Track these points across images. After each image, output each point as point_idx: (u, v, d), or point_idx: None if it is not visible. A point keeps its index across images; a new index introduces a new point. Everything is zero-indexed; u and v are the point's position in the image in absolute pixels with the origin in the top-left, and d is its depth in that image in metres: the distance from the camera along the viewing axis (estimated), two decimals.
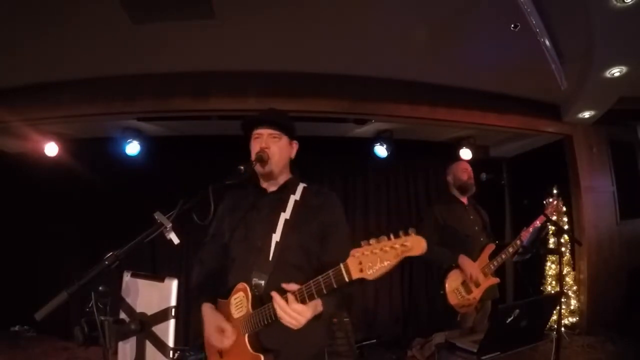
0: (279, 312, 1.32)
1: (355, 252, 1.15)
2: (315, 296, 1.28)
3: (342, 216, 1.66)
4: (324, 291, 1.25)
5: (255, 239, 1.59)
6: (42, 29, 2.90)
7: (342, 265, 1.19)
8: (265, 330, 1.43)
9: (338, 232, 1.60)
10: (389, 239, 1.12)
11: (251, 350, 1.44)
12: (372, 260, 1.12)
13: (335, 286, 1.22)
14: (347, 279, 1.18)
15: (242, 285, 1.51)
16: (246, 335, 1.46)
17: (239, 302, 1.51)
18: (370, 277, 1.14)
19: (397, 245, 1.10)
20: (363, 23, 3.03)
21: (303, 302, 1.30)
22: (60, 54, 3.27)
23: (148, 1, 2.68)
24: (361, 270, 1.14)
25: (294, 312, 1.30)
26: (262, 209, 1.65)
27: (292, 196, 1.65)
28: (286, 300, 1.32)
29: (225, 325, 1.50)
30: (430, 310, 4.80)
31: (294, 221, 1.59)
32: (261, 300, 1.47)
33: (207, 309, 1.58)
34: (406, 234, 1.12)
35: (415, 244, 1.10)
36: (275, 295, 1.34)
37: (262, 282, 1.50)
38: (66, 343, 4.16)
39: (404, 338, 4.41)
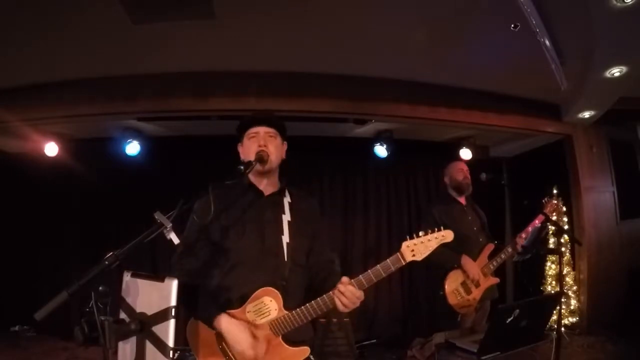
0: (346, 300, 1.46)
1: (408, 243, 1.50)
2: (374, 280, 1.49)
3: (322, 217, 1.88)
4: (383, 275, 1.49)
5: (264, 242, 1.59)
6: (42, 29, 2.90)
7: (398, 254, 1.50)
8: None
9: (323, 233, 1.80)
10: (426, 234, 1.51)
11: (293, 348, 1.53)
12: (420, 247, 1.50)
13: (392, 269, 1.49)
14: (403, 262, 1.50)
15: (268, 289, 1.52)
16: (281, 337, 1.52)
17: (262, 306, 1.52)
18: (419, 259, 1.50)
19: (438, 236, 1.52)
20: (363, 23, 3.03)
21: (362, 288, 1.49)
22: (61, 54, 3.27)
23: (148, 1, 2.68)
24: (413, 255, 1.50)
25: (358, 299, 1.49)
26: (264, 211, 1.65)
27: (285, 198, 1.71)
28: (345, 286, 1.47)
29: (256, 331, 1.50)
30: (430, 310, 4.80)
31: (294, 223, 1.65)
32: (287, 300, 1.52)
33: (227, 322, 1.49)
34: (439, 229, 1.53)
35: (448, 235, 1.53)
36: (346, 283, 1.47)
37: (284, 283, 1.55)
38: (66, 343, 4.15)
39: (404, 338, 4.41)
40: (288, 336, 1.53)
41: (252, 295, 1.52)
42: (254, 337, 1.49)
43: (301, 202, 1.75)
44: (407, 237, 1.53)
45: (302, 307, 1.51)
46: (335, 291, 1.47)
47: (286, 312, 1.51)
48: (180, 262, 1.61)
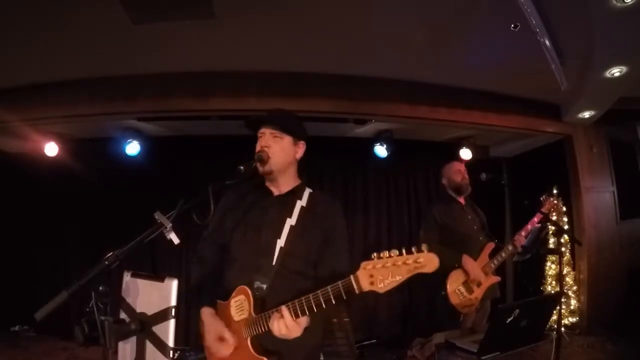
0: (280, 326, 1.32)
1: (367, 265, 1.16)
2: (323, 306, 1.26)
3: (344, 226, 1.67)
4: (333, 301, 1.24)
5: (259, 242, 1.58)
6: (42, 29, 2.90)
7: (352, 278, 1.19)
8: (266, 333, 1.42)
9: (338, 243, 1.62)
10: (401, 253, 1.13)
11: (255, 354, 1.44)
12: (383, 273, 1.14)
13: (344, 297, 1.21)
14: (357, 291, 1.19)
15: (243, 288, 1.50)
16: (249, 339, 1.46)
17: (240, 304, 1.50)
18: (381, 291, 1.15)
19: (410, 262, 1.12)
20: (363, 23, 3.03)
21: (310, 309, 1.29)
22: (61, 54, 3.27)
23: (148, 1, 2.68)
24: (372, 283, 1.15)
25: (290, 331, 1.33)
26: (267, 211, 1.63)
27: (298, 201, 1.64)
28: (282, 311, 1.33)
29: (225, 333, 1.48)
30: (431, 310, 4.80)
31: (299, 228, 1.58)
32: (262, 304, 1.48)
33: (207, 316, 1.56)
34: (419, 250, 1.12)
35: (429, 262, 1.12)
36: (284, 311, 1.33)
37: (264, 286, 1.50)
38: (66, 343, 4.15)
39: (404, 338, 4.40)
40: (262, 341, 1.46)
41: (234, 291, 1.53)
42: (221, 333, 1.49)
43: (318, 206, 1.64)
44: (374, 253, 1.15)
45: (261, 314, 1.42)
46: (276, 312, 1.35)
47: (254, 315, 1.45)
48: (192, 262, 1.74)
